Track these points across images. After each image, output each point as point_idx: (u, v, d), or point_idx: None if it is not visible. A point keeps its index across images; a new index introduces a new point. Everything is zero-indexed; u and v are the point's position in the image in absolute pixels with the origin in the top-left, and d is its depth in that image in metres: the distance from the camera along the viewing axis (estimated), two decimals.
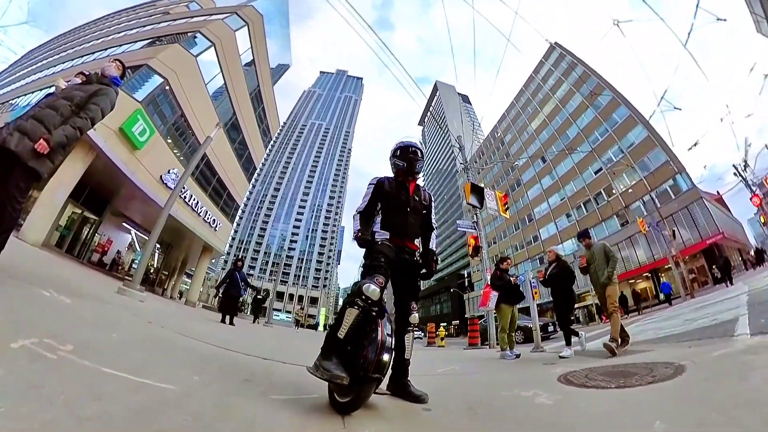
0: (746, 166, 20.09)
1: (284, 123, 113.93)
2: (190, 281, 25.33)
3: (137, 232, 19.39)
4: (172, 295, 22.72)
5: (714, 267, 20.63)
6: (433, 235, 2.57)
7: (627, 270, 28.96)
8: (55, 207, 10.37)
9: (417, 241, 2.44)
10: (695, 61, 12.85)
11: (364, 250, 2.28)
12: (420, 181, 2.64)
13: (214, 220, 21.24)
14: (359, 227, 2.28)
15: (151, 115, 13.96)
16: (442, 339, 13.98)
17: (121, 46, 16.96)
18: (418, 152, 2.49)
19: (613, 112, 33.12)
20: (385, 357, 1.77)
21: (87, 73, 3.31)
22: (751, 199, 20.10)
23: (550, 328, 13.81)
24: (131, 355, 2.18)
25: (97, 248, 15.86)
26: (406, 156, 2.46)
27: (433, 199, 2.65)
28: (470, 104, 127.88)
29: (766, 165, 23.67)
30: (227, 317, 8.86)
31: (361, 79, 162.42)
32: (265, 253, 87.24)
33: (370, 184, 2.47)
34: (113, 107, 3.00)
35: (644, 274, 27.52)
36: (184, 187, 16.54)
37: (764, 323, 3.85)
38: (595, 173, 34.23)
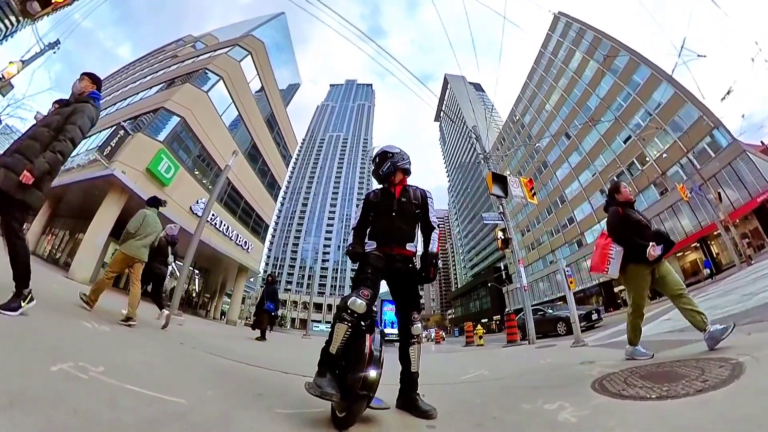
0: None
1: (303, 140, 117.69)
2: (231, 301, 26.77)
3: (176, 261, 20.92)
4: (214, 315, 24.17)
5: None
6: (434, 235, 2.40)
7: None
8: (97, 248, 11.53)
9: (411, 246, 2.32)
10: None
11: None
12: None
13: (245, 242, 22.42)
14: (350, 242, 2.35)
15: (176, 152, 15.13)
16: (480, 337, 13.50)
17: (138, 93, 18.54)
18: (388, 154, 2.45)
19: (633, 74, 30.89)
20: (372, 373, 1.73)
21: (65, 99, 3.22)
22: None
23: (594, 316, 12.74)
24: (155, 373, 2.40)
25: None
26: (377, 165, 2.49)
27: (429, 195, 2.51)
28: (483, 91, 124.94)
29: None
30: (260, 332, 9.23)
31: (371, 85, 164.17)
32: (301, 267, 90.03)
33: (361, 201, 2.52)
34: (93, 122, 2.95)
35: (692, 245, 25.18)
36: (213, 214, 17.71)
37: None
38: (624, 142, 32.13)
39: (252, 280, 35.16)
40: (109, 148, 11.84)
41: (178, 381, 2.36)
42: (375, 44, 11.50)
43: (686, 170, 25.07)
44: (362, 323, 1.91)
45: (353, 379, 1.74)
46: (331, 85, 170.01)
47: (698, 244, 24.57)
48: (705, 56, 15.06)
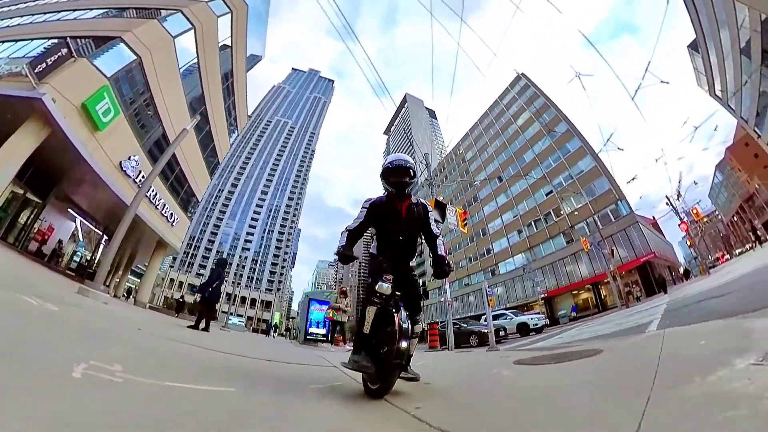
0: (679, 196, 23.92)
1: (249, 116, 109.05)
2: (139, 281, 23.09)
3: (83, 220, 17.35)
4: (116, 293, 20.48)
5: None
6: (439, 242, 2.58)
7: (570, 282, 31.97)
8: None
9: (412, 262, 2.61)
10: (640, 111, 14.98)
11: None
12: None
13: (171, 214, 19.73)
14: (343, 244, 2.39)
15: (119, 95, 12.78)
16: None
17: (91, 9, 15.02)
18: (411, 171, 2.42)
19: (566, 142, 36.75)
20: (404, 344, 2.00)
21: None
22: (679, 225, 23.80)
23: (502, 333, 14.92)
24: (169, 369, 2.23)
25: (36, 236, 13.89)
26: (394, 181, 2.42)
27: (429, 208, 2.64)
28: (436, 119, 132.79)
29: (692, 198, 28.77)
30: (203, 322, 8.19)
31: (333, 81, 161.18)
32: (218, 251, 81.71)
33: (363, 207, 2.52)
34: None
35: (586, 287, 30.64)
36: (143, 176, 15.30)
37: (668, 323, 5.31)
38: (546, 195, 37.48)
39: (164, 260, 30.91)
40: (44, 65, 9.37)
41: (197, 374, 2.32)
42: (352, 33, 11.31)
43: (590, 228, 30.46)
44: (389, 304, 2.15)
45: (387, 351, 1.99)
46: (293, 68, 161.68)
47: (590, 287, 29.73)
48: (623, 150, 19.07)
